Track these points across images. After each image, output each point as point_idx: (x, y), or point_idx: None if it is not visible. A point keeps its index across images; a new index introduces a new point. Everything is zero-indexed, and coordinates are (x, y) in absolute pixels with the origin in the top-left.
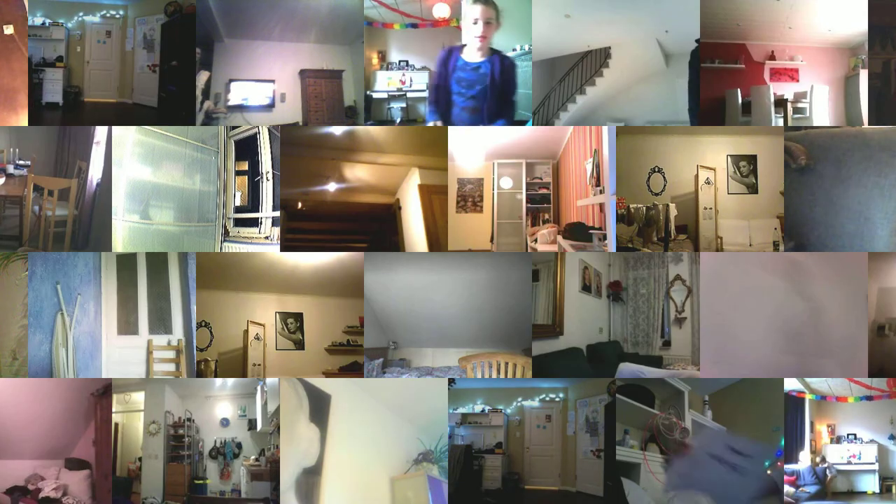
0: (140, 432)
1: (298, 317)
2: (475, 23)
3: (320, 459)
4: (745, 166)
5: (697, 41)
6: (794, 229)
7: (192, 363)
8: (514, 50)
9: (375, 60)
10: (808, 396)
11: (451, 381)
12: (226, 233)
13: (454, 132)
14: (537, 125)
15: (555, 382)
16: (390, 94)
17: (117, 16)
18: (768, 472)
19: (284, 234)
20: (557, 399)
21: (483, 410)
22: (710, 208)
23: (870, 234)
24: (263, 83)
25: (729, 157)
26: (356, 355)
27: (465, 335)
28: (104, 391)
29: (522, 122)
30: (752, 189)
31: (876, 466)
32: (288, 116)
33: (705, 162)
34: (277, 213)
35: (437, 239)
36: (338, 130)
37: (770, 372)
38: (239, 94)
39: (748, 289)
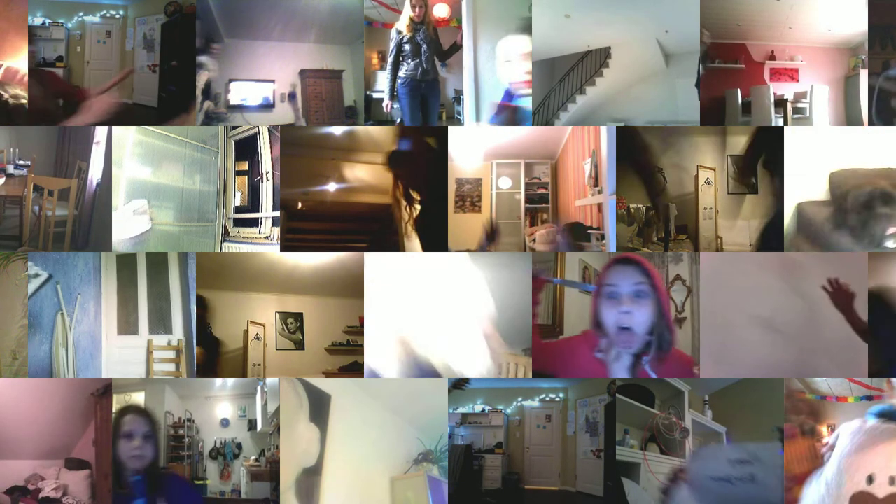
0: None
1: (298, 317)
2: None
3: (320, 459)
4: None
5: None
6: None
7: (192, 363)
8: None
9: (375, 60)
10: (808, 396)
11: (466, 382)
12: (226, 233)
13: (453, 132)
14: (537, 125)
15: (555, 382)
16: None
17: (117, 16)
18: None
19: (284, 234)
20: (557, 399)
21: (483, 410)
22: (710, 208)
23: None
24: (263, 83)
25: (729, 157)
26: (356, 355)
27: None
28: (104, 391)
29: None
30: (752, 189)
31: None
32: (288, 116)
33: (705, 162)
34: (277, 213)
35: None
36: (338, 130)
37: (770, 372)
38: (239, 94)
39: (748, 289)
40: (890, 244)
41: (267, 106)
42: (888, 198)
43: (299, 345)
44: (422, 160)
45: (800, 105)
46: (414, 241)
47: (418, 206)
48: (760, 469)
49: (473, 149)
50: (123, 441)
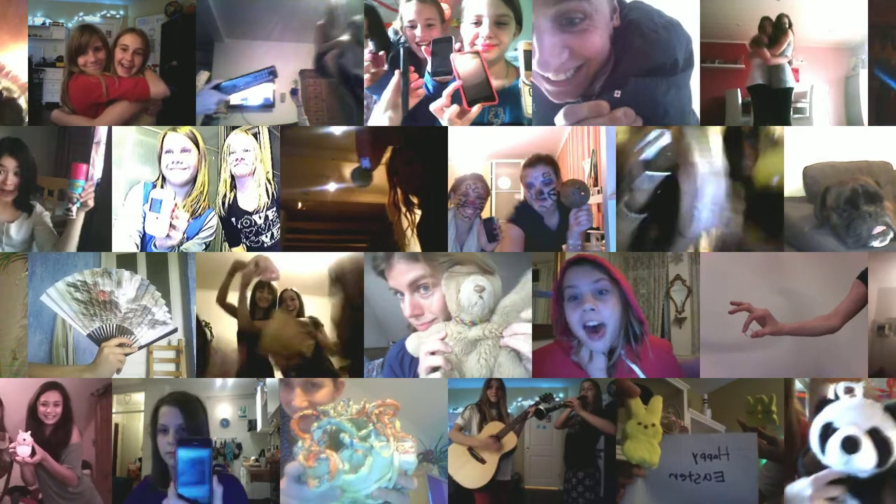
0: (140, 433)
1: None
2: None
3: None
4: None
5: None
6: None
7: (192, 363)
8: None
9: None
10: (808, 396)
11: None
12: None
13: (453, 132)
14: (537, 125)
15: (555, 382)
16: None
17: (117, 16)
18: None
19: (284, 234)
20: (557, 398)
21: None
22: None
23: None
24: (263, 83)
25: None
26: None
27: None
28: (104, 391)
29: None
30: None
31: None
32: (288, 116)
33: None
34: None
35: None
36: (338, 130)
37: (770, 372)
38: (239, 94)
39: (748, 289)
40: (875, 244)
41: (267, 106)
42: (873, 195)
43: None
44: (416, 165)
45: (800, 105)
46: (414, 244)
47: (418, 211)
48: (731, 465)
49: (473, 149)
50: (160, 436)
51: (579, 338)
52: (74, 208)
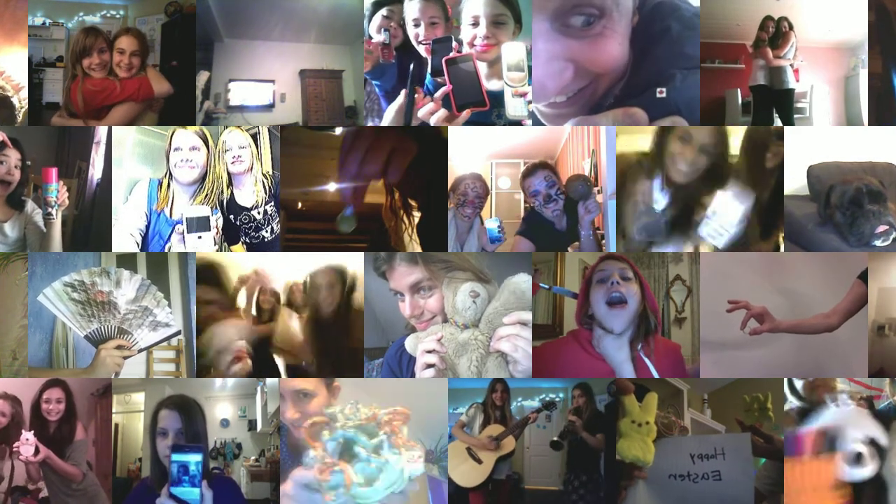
0: (140, 433)
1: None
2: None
3: None
4: None
5: None
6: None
7: (192, 363)
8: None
9: None
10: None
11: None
12: None
13: (453, 132)
14: (537, 125)
15: (555, 382)
16: None
17: (117, 16)
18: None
19: (284, 234)
20: (558, 399)
21: None
22: None
23: None
24: (263, 83)
25: None
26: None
27: None
28: (104, 391)
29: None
30: None
31: None
32: (288, 116)
33: None
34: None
35: None
36: (338, 130)
37: (770, 372)
38: (239, 94)
39: (748, 289)
40: (878, 243)
41: (267, 106)
42: (877, 195)
43: None
44: (416, 169)
45: (800, 105)
46: (415, 246)
47: (417, 214)
48: (727, 465)
49: (473, 149)
50: (159, 439)
51: (599, 317)
52: (54, 211)
